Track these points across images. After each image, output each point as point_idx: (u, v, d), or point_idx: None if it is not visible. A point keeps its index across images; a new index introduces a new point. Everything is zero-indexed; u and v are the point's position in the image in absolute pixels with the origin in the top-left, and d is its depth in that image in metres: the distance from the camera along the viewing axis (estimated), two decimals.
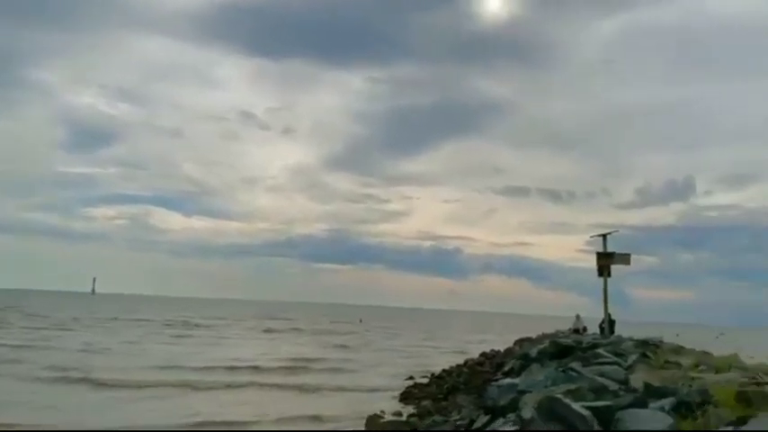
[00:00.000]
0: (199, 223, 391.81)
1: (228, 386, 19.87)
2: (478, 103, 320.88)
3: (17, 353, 26.16)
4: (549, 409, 5.66)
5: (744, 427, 4.83)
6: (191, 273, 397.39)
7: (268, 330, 52.82)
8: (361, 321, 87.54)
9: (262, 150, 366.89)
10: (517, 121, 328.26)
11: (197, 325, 55.68)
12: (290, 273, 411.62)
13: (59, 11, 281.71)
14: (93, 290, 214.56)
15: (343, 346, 39.32)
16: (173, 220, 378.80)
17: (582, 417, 5.51)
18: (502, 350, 28.65)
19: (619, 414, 5.71)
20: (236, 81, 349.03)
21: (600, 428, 5.54)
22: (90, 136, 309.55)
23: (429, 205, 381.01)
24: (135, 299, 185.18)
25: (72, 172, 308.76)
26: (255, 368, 24.43)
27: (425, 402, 17.40)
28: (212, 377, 21.42)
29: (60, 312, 67.64)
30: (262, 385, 20.41)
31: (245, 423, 14.38)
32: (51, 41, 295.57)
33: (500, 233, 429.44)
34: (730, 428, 5.01)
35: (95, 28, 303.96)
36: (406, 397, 19.30)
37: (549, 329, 35.08)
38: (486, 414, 10.01)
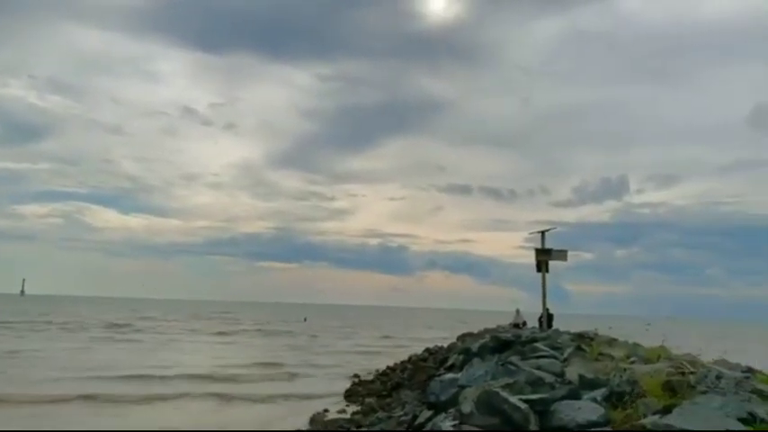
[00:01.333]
0: (136, 221, 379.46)
1: (159, 398, 17.88)
2: (422, 101, 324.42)
3: None
4: (488, 402, 5.77)
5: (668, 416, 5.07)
6: (128, 272, 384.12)
7: (210, 333, 51.12)
8: (305, 320, 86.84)
9: (203, 146, 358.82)
10: (459, 119, 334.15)
11: (133, 328, 53.63)
12: (233, 271, 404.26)
13: None
14: (23, 291, 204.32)
15: (291, 348, 38.70)
16: (108, 218, 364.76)
17: (519, 409, 5.65)
18: (445, 345, 29.05)
19: (554, 406, 5.88)
20: (177, 75, 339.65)
21: (536, 420, 5.70)
22: (18, 129, 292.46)
23: (374, 203, 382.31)
24: (68, 300, 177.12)
25: None
26: (191, 376, 22.53)
27: (370, 399, 17.46)
28: (137, 388, 19.45)
29: None
30: (197, 396, 18.60)
31: None
32: None
33: (444, 230, 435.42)
34: (657, 417, 5.25)
35: (24, 15, 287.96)
36: (350, 395, 19.30)
37: (492, 324, 35.82)
38: (428, 409, 10.11)
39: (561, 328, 21.62)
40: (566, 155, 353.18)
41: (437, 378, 11.86)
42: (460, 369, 14.38)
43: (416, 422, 10.35)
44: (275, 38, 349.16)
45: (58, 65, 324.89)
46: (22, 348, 30.91)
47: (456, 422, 5.98)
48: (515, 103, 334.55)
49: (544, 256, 20.43)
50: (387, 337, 54.92)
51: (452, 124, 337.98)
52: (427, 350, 28.62)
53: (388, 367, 24.25)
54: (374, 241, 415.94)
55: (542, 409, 5.86)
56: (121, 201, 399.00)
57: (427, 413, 10.13)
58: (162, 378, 21.83)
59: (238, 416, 16.05)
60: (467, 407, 5.92)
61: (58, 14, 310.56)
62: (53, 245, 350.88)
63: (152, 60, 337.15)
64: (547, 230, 21.10)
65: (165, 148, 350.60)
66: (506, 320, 31.92)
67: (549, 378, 7.26)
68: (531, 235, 22.21)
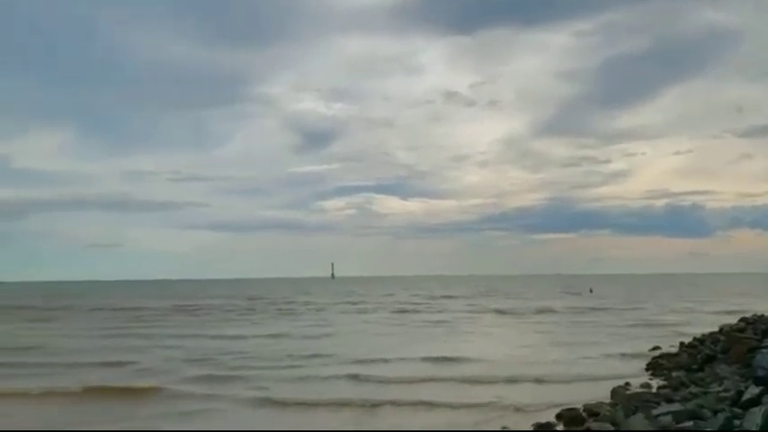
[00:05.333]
0: (415, 205, 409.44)
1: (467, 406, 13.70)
2: (702, 37, 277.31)
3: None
4: None
5: None
6: (412, 252, 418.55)
7: (500, 312, 48.38)
8: (591, 291, 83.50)
9: (469, 127, 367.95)
10: (754, 50, 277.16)
11: (432, 307, 54.89)
12: (509, 245, 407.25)
13: (270, 29, 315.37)
14: (333, 274, 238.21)
15: (598, 325, 34.78)
16: (392, 205, 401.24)
17: None
18: (767, 314, 25.03)
19: None
20: (436, 63, 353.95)
21: None
22: (314, 137, 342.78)
23: (656, 160, 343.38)
24: (369, 280, 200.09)
25: (303, 171, 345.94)
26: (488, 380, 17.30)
27: (677, 373, 16.06)
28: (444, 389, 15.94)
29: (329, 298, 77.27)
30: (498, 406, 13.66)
31: None
32: (269, 57, 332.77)
33: (749, 181, 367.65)
34: None
35: (303, 38, 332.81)
36: (653, 368, 18.02)
37: None
38: (757, 385, 9.06)
39: None
40: None
41: (764, 350, 10.56)
42: None
43: (743, 398, 9.27)
44: (525, 4, 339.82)
45: (337, 74, 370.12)
46: (335, 332, 33.27)
47: None
48: None
49: None
50: (694, 306, 49.17)
51: (745, 57, 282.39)
52: (744, 319, 25.01)
53: (695, 339, 21.91)
54: (660, 202, 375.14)
55: None
56: (401, 188, 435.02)
57: (755, 389, 9.09)
58: (462, 381, 17.35)
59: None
60: None
61: (329, 29, 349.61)
62: (351, 233, 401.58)
63: (413, 54, 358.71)
64: None
65: (433, 134, 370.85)
66: None
67: None
68: None
